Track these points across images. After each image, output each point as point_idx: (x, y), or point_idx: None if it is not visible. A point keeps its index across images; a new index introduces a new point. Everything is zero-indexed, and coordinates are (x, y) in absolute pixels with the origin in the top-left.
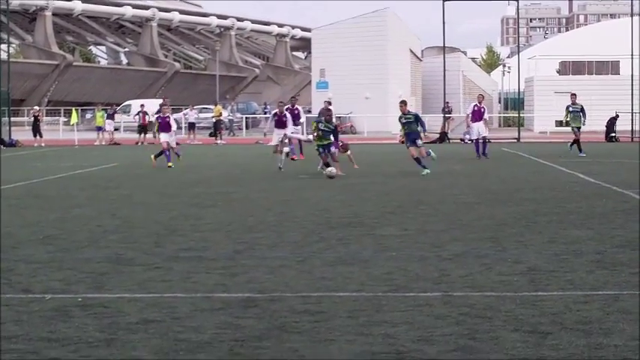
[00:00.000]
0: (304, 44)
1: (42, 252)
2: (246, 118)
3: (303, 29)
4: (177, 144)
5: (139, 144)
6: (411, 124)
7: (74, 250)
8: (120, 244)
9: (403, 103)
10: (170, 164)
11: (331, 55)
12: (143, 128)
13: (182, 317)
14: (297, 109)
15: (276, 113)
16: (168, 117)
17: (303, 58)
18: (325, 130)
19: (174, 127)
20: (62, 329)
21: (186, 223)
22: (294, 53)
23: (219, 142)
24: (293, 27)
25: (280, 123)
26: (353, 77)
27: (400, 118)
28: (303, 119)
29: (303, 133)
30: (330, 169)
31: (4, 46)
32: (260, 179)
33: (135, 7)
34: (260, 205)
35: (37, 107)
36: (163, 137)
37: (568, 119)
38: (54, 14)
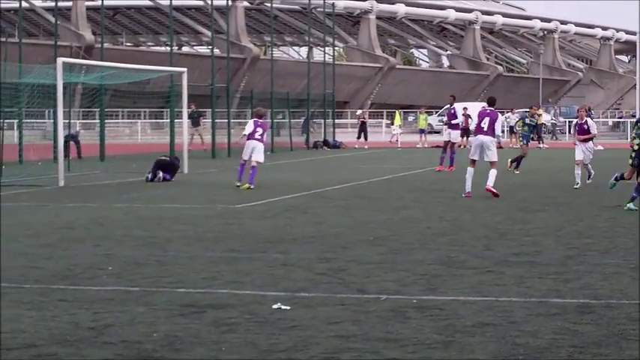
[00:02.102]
0: (628, 47)
1: (373, 253)
2: (569, 122)
3: (628, 32)
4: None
5: (462, 147)
6: None
7: (405, 251)
8: (450, 247)
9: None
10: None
11: None
12: (465, 131)
13: (518, 322)
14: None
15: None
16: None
17: (627, 61)
18: None
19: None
20: (399, 330)
21: (515, 227)
22: (617, 56)
23: (541, 146)
24: (617, 30)
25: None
26: None
27: None
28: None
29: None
30: None
31: (328, 49)
32: (585, 183)
33: (458, 10)
34: (588, 211)
35: (359, 111)
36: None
37: None
38: (377, 17)
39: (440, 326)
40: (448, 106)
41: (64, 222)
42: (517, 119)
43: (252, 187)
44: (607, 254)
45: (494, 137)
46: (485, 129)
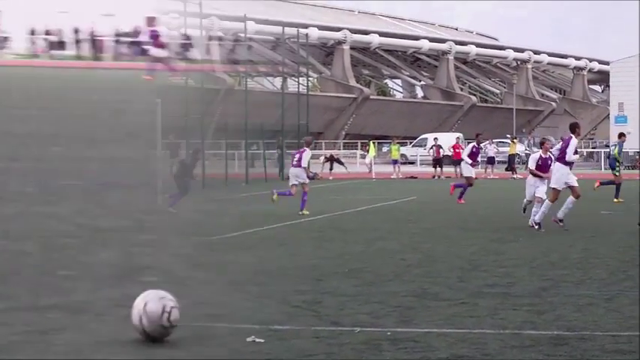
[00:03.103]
0: (601, 77)
1: (348, 285)
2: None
3: (601, 62)
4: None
5: (436, 178)
6: None
7: (379, 283)
8: (424, 279)
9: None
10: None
11: (631, 88)
12: (438, 162)
13: (492, 354)
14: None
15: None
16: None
17: (600, 91)
18: None
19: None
20: None
21: (489, 258)
22: (590, 86)
23: (515, 176)
24: (590, 60)
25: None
26: None
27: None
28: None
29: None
30: None
31: (302, 80)
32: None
33: (432, 40)
34: (562, 242)
35: (322, 158)
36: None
37: None
38: (351, 48)
39: (414, 359)
40: (474, 144)
41: None
42: (615, 146)
43: (305, 212)
44: (581, 285)
45: (563, 164)
46: (558, 155)
